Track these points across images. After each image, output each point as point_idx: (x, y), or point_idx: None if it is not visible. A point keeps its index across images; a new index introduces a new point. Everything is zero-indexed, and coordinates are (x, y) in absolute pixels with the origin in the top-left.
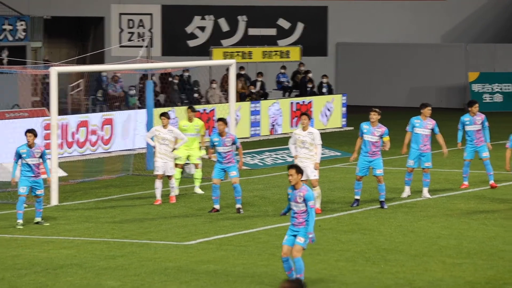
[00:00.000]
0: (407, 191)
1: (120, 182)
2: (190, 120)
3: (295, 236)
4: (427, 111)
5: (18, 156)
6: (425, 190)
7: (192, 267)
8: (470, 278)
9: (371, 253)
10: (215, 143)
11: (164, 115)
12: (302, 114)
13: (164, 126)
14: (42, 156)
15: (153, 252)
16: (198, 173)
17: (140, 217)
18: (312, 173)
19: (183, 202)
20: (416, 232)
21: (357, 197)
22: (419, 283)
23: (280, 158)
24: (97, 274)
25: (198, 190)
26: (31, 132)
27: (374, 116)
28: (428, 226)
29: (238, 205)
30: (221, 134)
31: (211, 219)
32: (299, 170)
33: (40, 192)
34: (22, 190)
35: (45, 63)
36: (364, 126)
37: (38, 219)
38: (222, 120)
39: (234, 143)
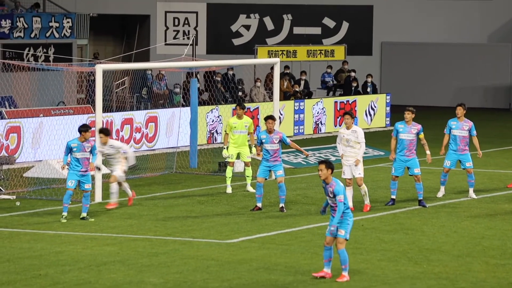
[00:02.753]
0: (442, 190)
1: (164, 180)
2: (239, 117)
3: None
4: (459, 110)
5: (69, 150)
6: (471, 191)
7: (234, 265)
8: None
9: (414, 253)
10: (263, 140)
11: (102, 132)
12: (345, 113)
13: (103, 144)
14: (92, 150)
15: (196, 250)
16: (248, 171)
17: (183, 215)
18: (356, 171)
19: (225, 201)
20: (459, 232)
21: (393, 196)
22: (462, 284)
23: (324, 157)
24: (139, 271)
25: (250, 188)
26: (88, 128)
27: (408, 115)
28: (471, 227)
29: (281, 204)
30: (269, 131)
31: (254, 217)
32: (329, 166)
33: (88, 186)
34: (70, 183)
35: (90, 61)
36: (399, 125)
37: (84, 214)
38: (272, 118)
39: (281, 140)
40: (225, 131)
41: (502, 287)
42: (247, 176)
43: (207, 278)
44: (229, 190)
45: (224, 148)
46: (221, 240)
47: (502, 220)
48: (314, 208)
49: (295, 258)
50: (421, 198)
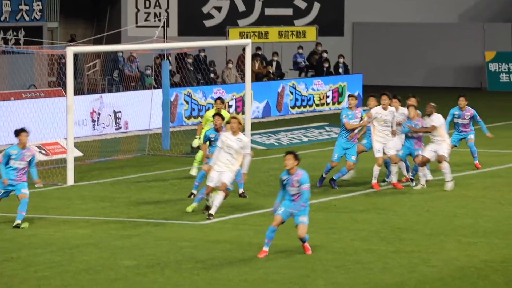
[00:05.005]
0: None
1: (136, 162)
2: (218, 111)
3: (292, 215)
4: (372, 101)
5: (7, 157)
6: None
7: (207, 247)
8: (486, 257)
9: (386, 232)
10: (211, 139)
11: None
12: (382, 94)
13: None
14: (31, 161)
15: (169, 231)
16: None
17: (156, 197)
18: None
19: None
20: (432, 211)
21: (325, 175)
22: (434, 262)
23: (296, 138)
24: (112, 253)
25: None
26: (26, 131)
27: (353, 102)
28: (443, 205)
29: (241, 190)
30: (217, 130)
31: (227, 198)
32: (297, 157)
33: (24, 190)
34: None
35: (61, 43)
36: (348, 112)
37: (18, 221)
38: (219, 115)
39: None
40: (201, 122)
41: (474, 265)
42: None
43: (180, 259)
44: (193, 172)
45: (197, 137)
46: (194, 221)
47: (473, 198)
48: None
49: None
50: (336, 178)
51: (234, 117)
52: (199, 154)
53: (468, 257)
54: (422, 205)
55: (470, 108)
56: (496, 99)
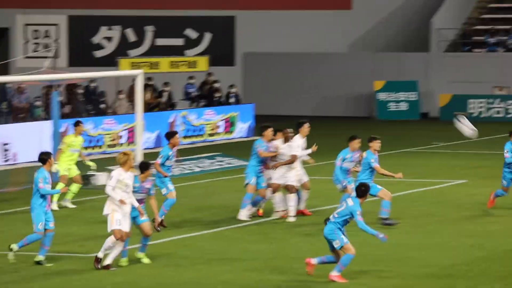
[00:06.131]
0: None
1: (25, 195)
2: (78, 135)
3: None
4: (269, 132)
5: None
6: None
7: (98, 279)
8: (376, 285)
9: (278, 262)
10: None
11: None
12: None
13: None
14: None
15: (59, 264)
16: (75, 188)
17: None
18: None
19: (91, 212)
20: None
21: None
22: None
23: (188, 168)
24: None
25: (69, 204)
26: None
27: (269, 133)
28: None
29: (161, 218)
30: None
31: None
32: None
33: (52, 225)
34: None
35: None
36: (261, 144)
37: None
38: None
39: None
40: (60, 148)
41: None
42: (73, 192)
43: None
44: (55, 206)
45: (56, 163)
46: (85, 254)
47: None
48: (179, 219)
49: (158, 270)
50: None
51: (126, 154)
52: (75, 186)
53: (358, 286)
54: (314, 234)
55: None
56: (386, 128)
